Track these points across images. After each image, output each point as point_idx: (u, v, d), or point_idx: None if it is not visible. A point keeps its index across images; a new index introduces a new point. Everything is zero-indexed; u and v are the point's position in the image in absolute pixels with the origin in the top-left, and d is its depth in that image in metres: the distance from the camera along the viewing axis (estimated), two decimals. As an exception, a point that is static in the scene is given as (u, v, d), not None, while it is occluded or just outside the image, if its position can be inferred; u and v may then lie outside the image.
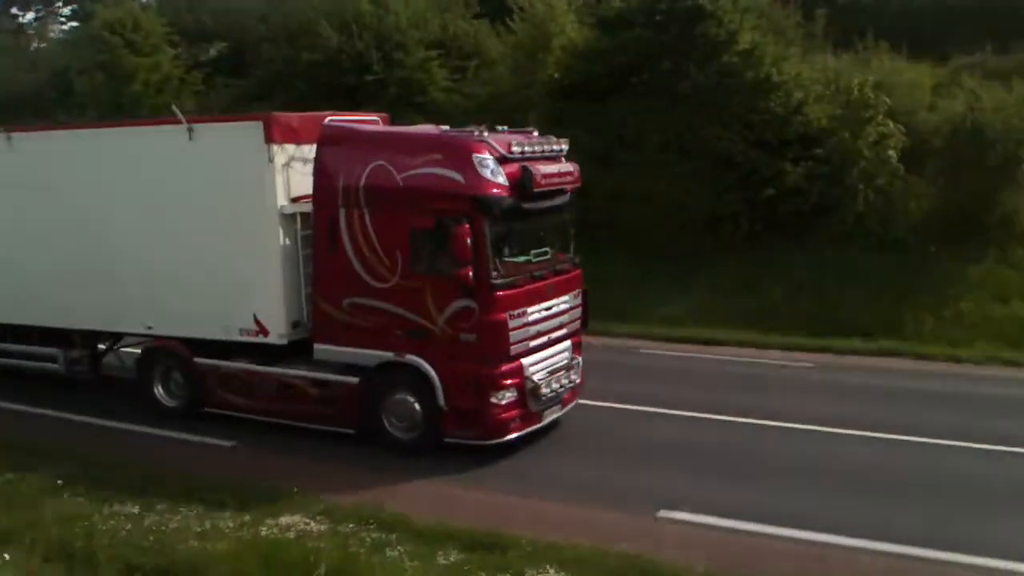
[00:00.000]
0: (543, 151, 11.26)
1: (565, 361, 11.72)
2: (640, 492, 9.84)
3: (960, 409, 12.98)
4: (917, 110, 21.17)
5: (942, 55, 24.11)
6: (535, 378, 10.98)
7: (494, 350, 10.58)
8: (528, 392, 10.90)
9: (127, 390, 13.42)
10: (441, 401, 10.69)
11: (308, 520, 9.04)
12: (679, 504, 9.39)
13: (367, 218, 10.83)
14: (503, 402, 10.65)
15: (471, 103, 24.03)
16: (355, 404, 11.28)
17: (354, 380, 11.21)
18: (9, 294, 13.86)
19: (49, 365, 13.88)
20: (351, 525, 8.91)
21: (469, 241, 10.08)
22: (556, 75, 23.35)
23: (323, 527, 8.90)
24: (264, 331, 11.69)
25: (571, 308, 11.82)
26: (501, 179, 10.33)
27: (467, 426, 10.74)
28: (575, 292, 11.93)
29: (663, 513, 9.28)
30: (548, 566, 7.95)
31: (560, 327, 11.58)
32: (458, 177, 10.29)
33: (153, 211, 12.26)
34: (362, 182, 10.81)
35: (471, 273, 10.20)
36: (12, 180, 13.29)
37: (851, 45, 23.83)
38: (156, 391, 12.91)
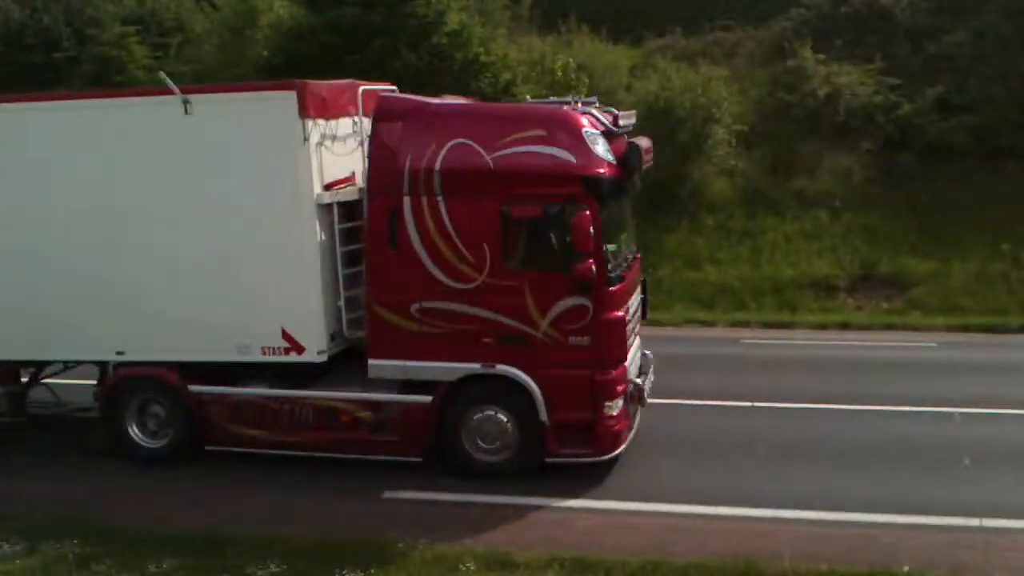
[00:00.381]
0: (632, 123, 10.07)
1: (641, 358, 10.74)
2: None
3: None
4: (616, 90, 22.37)
5: (638, 37, 25.77)
6: (637, 380, 9.87)
7: (611, 353, 9.24)
8: (632, 397, 9.69)
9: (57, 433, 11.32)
10: (543, 415, 9.22)
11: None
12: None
13: (442, 207, 9.09)
14: (616, 412, 9.28)
15: (176, 83, 22.82)
16: (425, 426, 9.53)
17: (426, 399, 9.47)
18: None
19: None
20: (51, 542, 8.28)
21: (592, 230, 8.69)
22: (266, 53, 22.63)
23: (18, 548, 8.23)
24: (297, 348, 9.60)
25: (639, 300, 10.78)
26: (611, 157, 9.05)
27: (577, 442, 9.28)
28: (640, 281, 10.97)
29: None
30: (269, 562, 7.82)
31: (636, 321, 10.46)
32: (567, 156, 8.84)
33: (137, 203, 9.77)
34: (437, 164, 9.04)
35: (592, 266, 8.82)
36: None
37: (555, 27, 24.92)
38: (131, 431, 10.30)
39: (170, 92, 9.63)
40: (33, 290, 10.10)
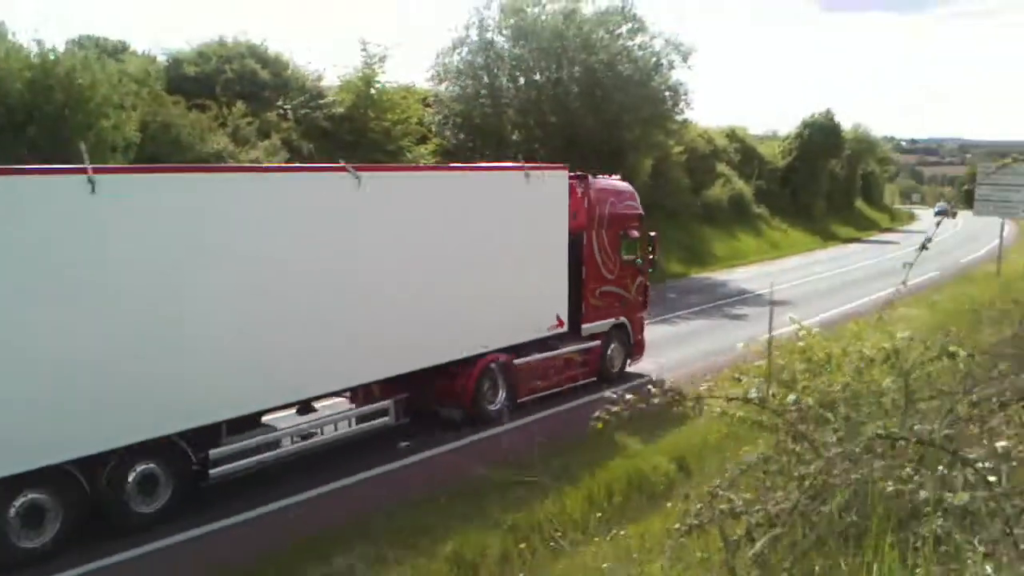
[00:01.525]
0: None
1: None
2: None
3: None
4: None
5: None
6: None
7: (647, 305, 19.00)
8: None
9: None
10: (634, 338, 18.22)
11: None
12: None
13: (605, 236, 16.99)
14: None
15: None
16: (598, 359, 17.19)
17: (599, 343, 17.16)
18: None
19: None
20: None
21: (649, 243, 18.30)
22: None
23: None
24: (562, 323, 15.98)
25: None
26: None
27: (637, 352, 18.46)
28: None
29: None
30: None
31: None
32: (638, 207, 18.11)
33: (485, 243, 14.30)
34: (605, 213, 16.97)
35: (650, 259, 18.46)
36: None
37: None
38: (490, 407, 14.73)
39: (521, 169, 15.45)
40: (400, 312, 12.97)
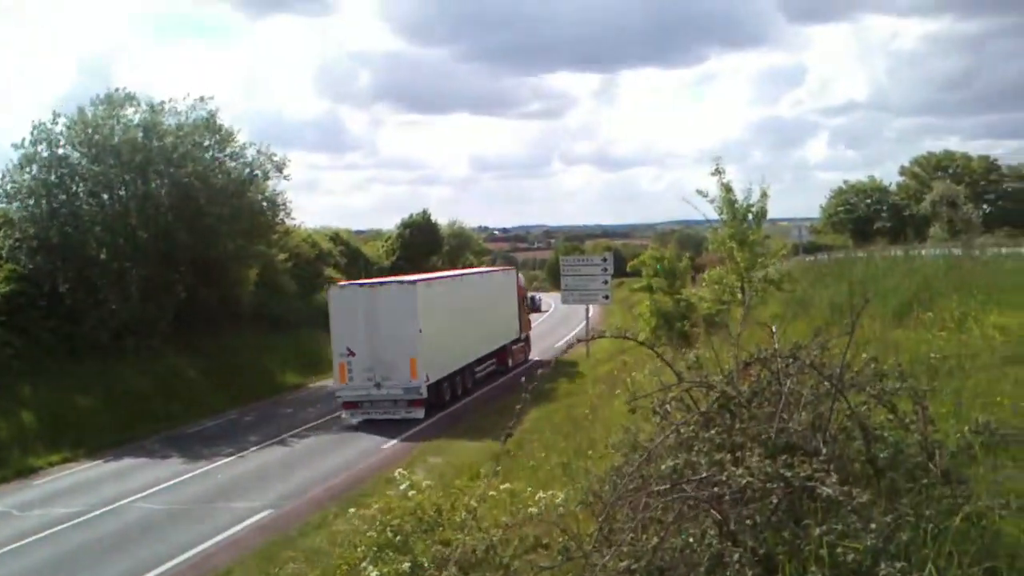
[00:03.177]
0: None
1: None
2: None
3: None
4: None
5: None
6: None
7: (529, 323, 40.47)
8: None
9: None
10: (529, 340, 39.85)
11: None
12: None
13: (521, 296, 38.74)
14: None
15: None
16: (527, 348, 39.21)
17: (524, 341, 39.25)
18: None
19: None
20: None
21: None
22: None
23: None
24: (521, 334, 38.67)
25: None
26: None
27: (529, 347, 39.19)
28: None
29: None
30: None
31: None
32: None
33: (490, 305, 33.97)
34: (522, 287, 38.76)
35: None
36: None
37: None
38: (511, 364, 36.31)
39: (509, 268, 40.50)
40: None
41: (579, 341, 17.47)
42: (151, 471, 21.46)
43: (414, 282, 26.14)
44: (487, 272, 36.89)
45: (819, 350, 5.10)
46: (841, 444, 4.64)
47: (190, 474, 20.92)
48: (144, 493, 19.14)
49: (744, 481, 4.08)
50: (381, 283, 27.89)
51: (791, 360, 4.84)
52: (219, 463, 21.98)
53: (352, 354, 25.02)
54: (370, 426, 25.39)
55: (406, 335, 24.78)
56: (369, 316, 25.02)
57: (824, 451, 4.34)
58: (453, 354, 27.85)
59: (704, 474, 4.30)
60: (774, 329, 5.83)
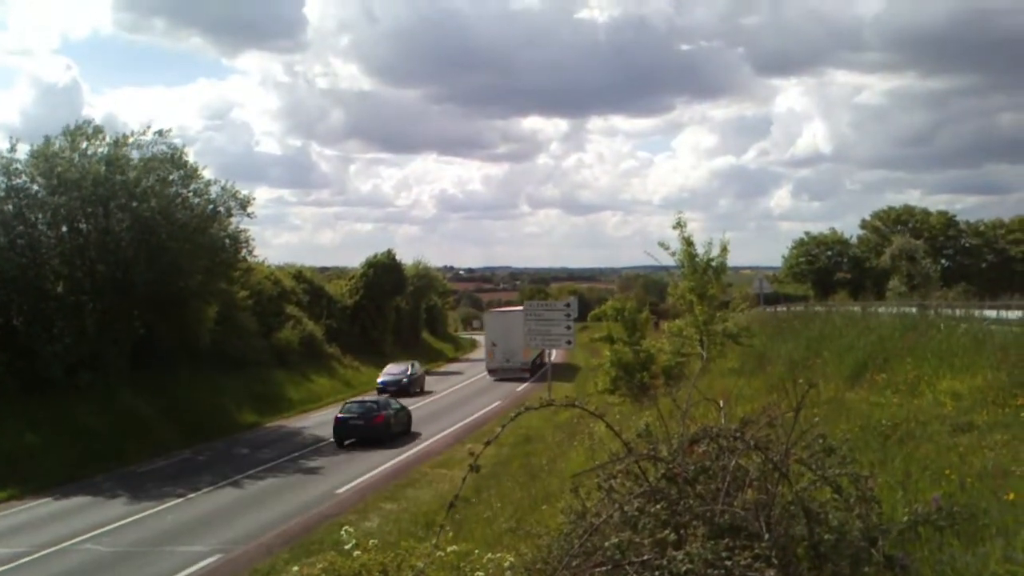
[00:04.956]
0: None
1: None
2: None
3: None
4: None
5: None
6: None
7: None
8: None
9: None
10: None
11: None
12: None
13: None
14: None
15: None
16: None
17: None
18: None
19: None
20: None
21: None
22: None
23: None
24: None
25: None
26: None
27: None
28: None
29: None
30: None
31: None
32: None
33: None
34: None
35: None
36: None
37: None
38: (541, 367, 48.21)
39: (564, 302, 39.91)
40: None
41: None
42: (99, 511, 21.00)
43: (521, 310, 40.08)
44: (550, 303, 45.33)
45: (766, 427, 5.10)
46: (785, 525, 4.63)
47: (140, 515, 20.48)
48: (91, 534, 18.70)
49: (685, 568, 4.05)
50: (509, 311, 53.37)
51: (737, 438, 4.83)
52: (170, 504, 21.55)
53: (495, 345, 49.63)
54: (328, 469, 25.22)
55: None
56: (504, 327, 47.28)
57: (767, 536, 4.32)
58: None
59: (646, 556, 4.26)
60: (722, 404, 5.83)
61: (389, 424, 29.44)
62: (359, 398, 34.23)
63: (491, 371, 50.31)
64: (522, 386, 45.21)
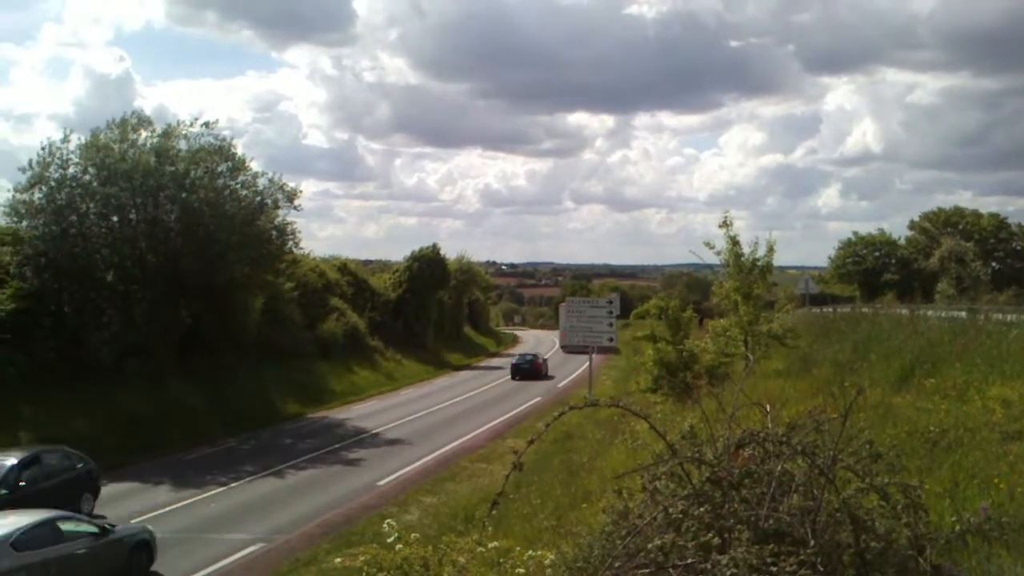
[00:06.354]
0: None
1: None
2: None
3: None
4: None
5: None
6: None
7: None
8: None
9: None
10: None
11: None
12: None
13: None
14: None
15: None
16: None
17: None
18: None
19: None
20: None
21: None
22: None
23: None
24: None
25: None
26: None
27: None
28: None
29: None
30: None
31: None
32: None
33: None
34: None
35: None
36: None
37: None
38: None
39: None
40: None
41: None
42: (145, 497, 21.35)
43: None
44: (593, 299, 45.14)
45: (813, 432, 5.06)
46: (831, 532, 4.59)
47: (184, 502, 20.80)
48: (137, 520, 19.00)
49: (729, 573, 4.04)
50: (586, 300, 46.08)
51: (783, 443, 4.80)
52: (213, 492, 21.86)
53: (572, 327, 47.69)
54: (370, 461, 25.42)
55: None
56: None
57: (812, 542, 4.28)
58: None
59: (690, 560, 4.25)
60: (768, 408, 5.79)
61: (543, 369, 50.89)
62: (525, 352, 60.35)
63: (564, 347, 52.81)
64: (563, 382, 45.39)
